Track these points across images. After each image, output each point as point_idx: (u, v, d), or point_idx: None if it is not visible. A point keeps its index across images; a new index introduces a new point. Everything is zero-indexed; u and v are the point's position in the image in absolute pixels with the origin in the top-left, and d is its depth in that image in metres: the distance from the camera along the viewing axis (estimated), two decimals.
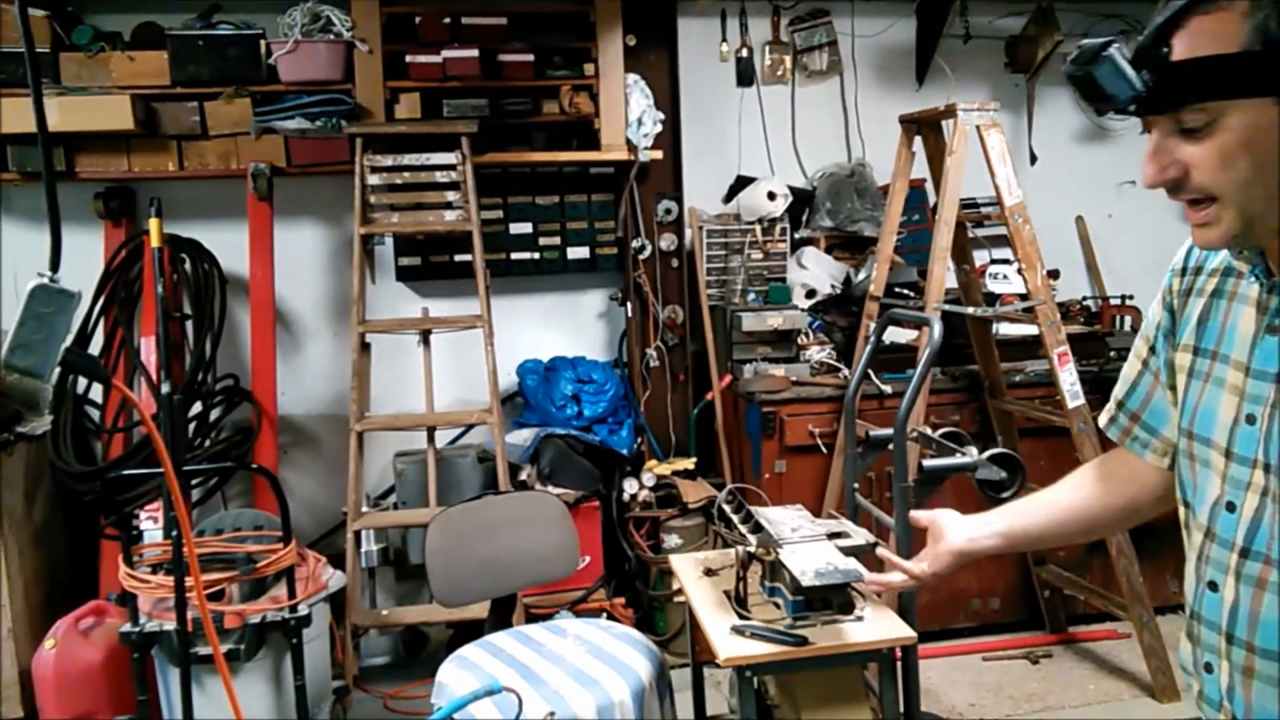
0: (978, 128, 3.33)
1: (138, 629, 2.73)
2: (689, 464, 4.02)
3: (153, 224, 3.31)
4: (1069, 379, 3.34)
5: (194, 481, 3.62)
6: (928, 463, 2.44)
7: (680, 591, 2.48)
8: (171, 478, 1.47)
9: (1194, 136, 0.99)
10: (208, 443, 3.66)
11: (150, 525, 3.43)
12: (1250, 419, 1.07)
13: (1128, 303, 4.24)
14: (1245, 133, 0.96)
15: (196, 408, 3.63)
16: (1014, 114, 4.56)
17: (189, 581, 2.48)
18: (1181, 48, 0.97)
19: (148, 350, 3.57)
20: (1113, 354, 3.94)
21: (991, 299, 3.98)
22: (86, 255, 3.71)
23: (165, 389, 3.19)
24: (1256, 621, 1.05)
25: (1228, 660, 1.10)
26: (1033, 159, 4.58)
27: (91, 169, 3.71)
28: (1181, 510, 1.21)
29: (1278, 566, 1.03)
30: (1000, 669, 3.69)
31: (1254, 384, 1.07)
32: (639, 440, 4.11)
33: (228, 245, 3.80)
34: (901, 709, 2.30)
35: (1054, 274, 4.06)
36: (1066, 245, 4.67)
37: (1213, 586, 1.11)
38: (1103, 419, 1.39)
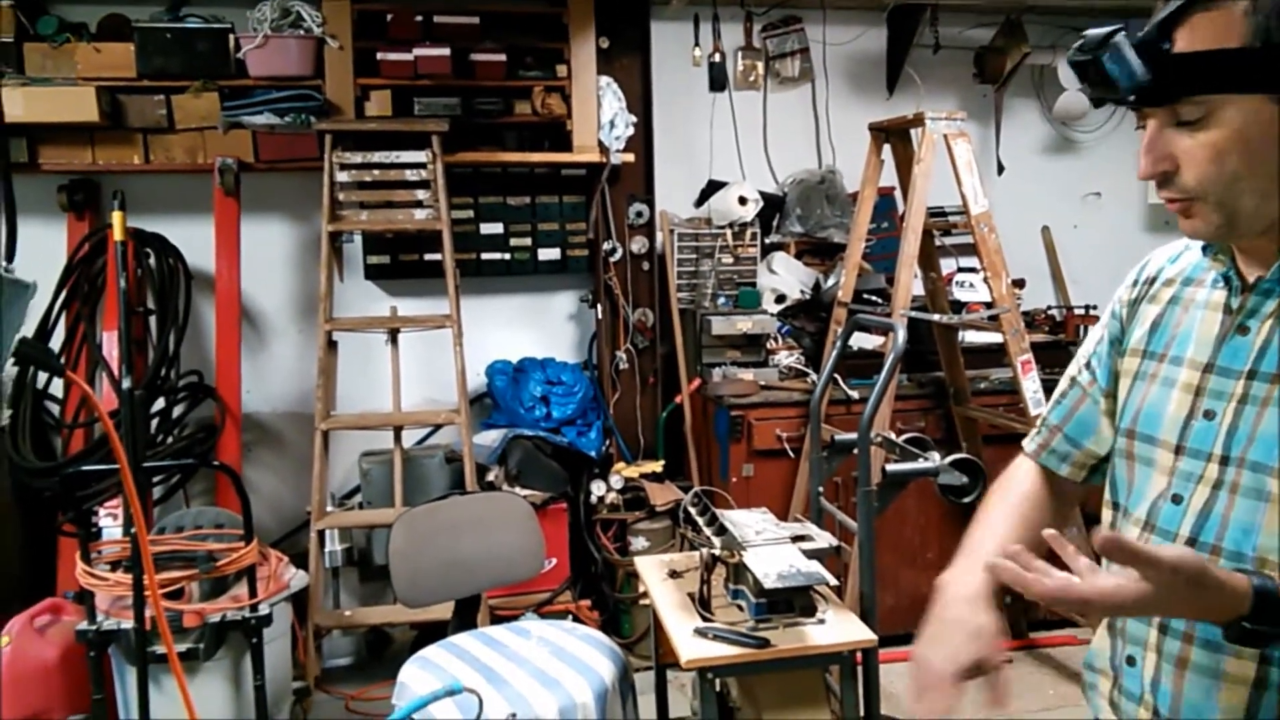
0: (945, 137, 3.37)
1: (95, 627, 2.69)
2: (657, 467, 4.03)
3: (116, 217, 3.26)
4: (1032, 387, 3.38)
5: (155, 479, 3.58)
6: (890, 467, 2.46)
7: (646, 594, 2.48)
8: (127, 474, 1.45)
9: (1189, 129, 1.01)
10: (170, 439, 3.62)
11: (109, 522, 3.38)
12: (1209, 414, 1.09)
13: (1091, 312, 4.30)
14: (1239, 128, 0.98)
15: (159, 404, 3.59)
16: (982, 124, 4.61)
17: (147, 580, 2.45)
18: (1184, 41, 0.99)
19: (110, 345, 3.52)
20: None
21: (958, 307, 4.02)
22: (49, 249, 3.66)
23: (126, 384, 3.15)
24: None
25: (1157, 652, 1.11)
26: (1000, 169, 4.63)
27: (55, 161, 3.66)
28: (1108, 513, 1.23)
29: (1225, 556, 1.04)
30: None
31: (1218, 380, 1.09)
32: (607, 442, 4.11)
33: (194, 241, 3.76)
34: (862, 712, 2.32)
35: (1019, 283, 4.11)
36: (1032, 255, 4.73)
37: None
38: (1027, 439, 1.39)
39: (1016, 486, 1.35)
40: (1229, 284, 1.11)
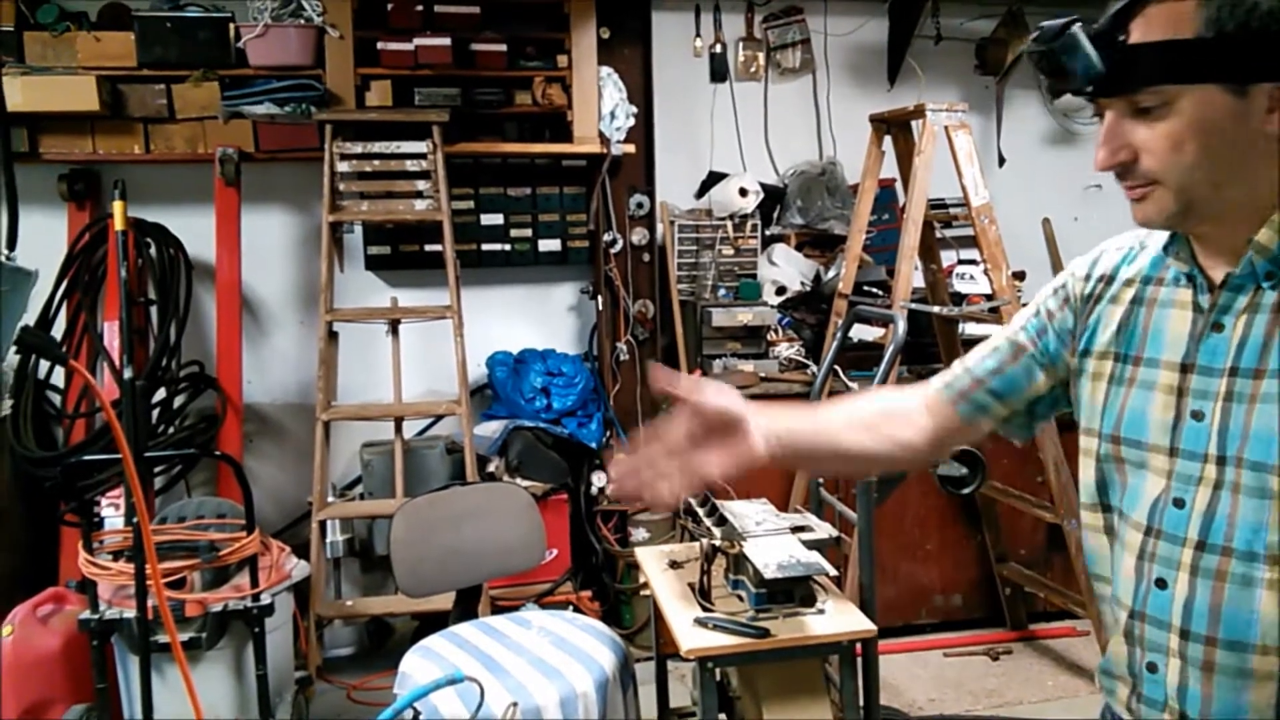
0: (946, 128, 3.36)
1: (97, 616, 2.69)
2: None
3: (117, 207, 3.27)
4: None
5: (157, 469, 3.59)
6: None
7: (647, 584, 2.49)
8: (129, 463, 1.46)
9: (1146, 119, 1.02)
10: (171, 430, 3.62)
11: (111, 512, 3.39)
12: (1197, 415, 1.08)
13: None
14: (1195, 118, 0.99)
15: (160, 394, 3.60)
16: (983, 116, 4.61)
17: (149, 569, 2.45)
18: (1139, 32, 1.01)
19: (110, 335, 3.53)
20: None
21: (958, 299, 4.02)
22: (50, 238, 3.65)
23: (128, 374, 3.15)
24: (1219, 614, 1.05)
25: (1180, 658, 1.10)
26: (1001, 161, 4.63)
27: (56, 150, 3.65)
28: (1099, 516, 1.21)
29: (1237, 556, 1.04)
30: (961, 665, 3.74)
31: (1200, 380, 1.08)
32: (608, 433, 4.11)
33: (194, 230, 3.76)
34: (861, 702, 2.33)
35: (1020, 275, 4.11)
36: (1033, 247, 4.72)
37: (1161, 584, 1.11)
38: (937, 380, 1.38)
39: (885, 400, 1.41)
40: (1193, 282, 1.10)
